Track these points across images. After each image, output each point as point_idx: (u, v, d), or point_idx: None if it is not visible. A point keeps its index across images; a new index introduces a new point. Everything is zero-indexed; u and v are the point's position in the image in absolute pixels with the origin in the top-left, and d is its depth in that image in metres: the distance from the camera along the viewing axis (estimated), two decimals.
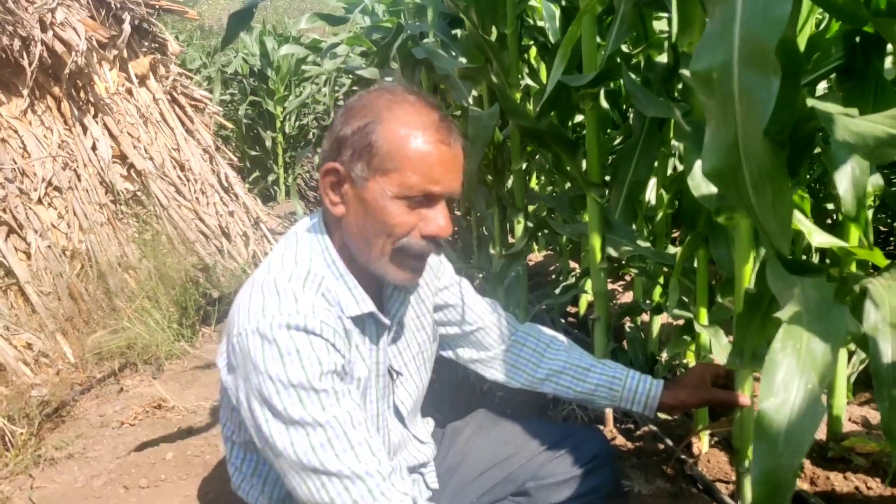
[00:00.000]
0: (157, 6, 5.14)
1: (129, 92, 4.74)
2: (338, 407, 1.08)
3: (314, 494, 1.08)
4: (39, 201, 3.81)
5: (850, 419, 2.11)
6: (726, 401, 1.48)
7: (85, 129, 4.27)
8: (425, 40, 2.92)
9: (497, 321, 1.57)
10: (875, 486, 1.78)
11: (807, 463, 1.87)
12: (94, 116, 4.37)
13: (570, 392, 1.52)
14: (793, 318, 0.95)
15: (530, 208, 3.61)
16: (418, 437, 1.44)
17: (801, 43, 1.36)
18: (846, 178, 1.49)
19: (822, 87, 2.06)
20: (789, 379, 0.90)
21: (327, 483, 1.07)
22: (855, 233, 1.63)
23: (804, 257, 2.73)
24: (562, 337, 1.61)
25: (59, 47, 4.01)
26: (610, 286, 3.91)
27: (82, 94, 4.32)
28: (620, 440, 2.07)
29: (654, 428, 2.11)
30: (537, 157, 3.23)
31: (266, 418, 1.10)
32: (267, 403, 1.09)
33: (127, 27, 4.67)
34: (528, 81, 3.04)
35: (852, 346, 2.05)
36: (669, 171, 2.42)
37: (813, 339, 0.92)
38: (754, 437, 0.90)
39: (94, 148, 4.26)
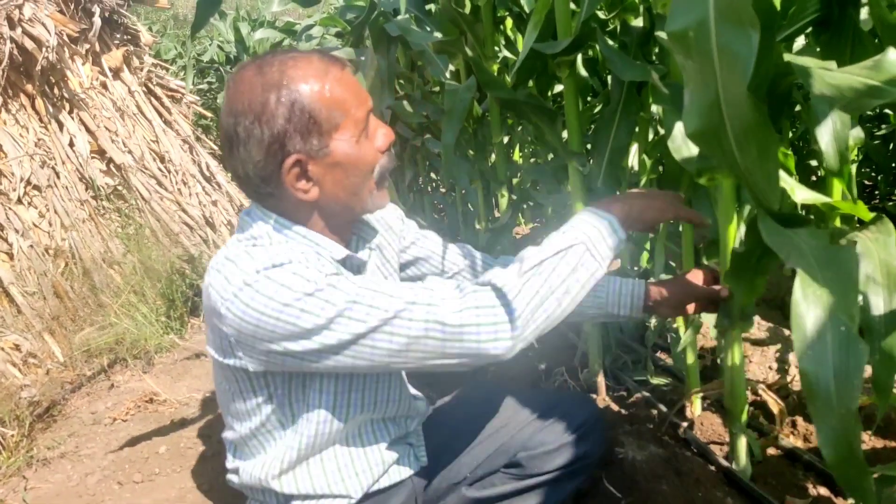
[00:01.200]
0: None
1: (104, 86, 4.67)
2: (356, 284, 1.12)
3: (390, 346, 1.11)
4: (19, 201, 3.77)
5: None
6: (707, 295, 1.52)
7: (61, 125, 4.21)
8: (399, 16, 2.87)
9: (472, 260, 1.62)
10: (867, 440, 1.79)
11: (800, 420, 1.87)
12: (70, 112, 4.31)
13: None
14: (803, 266, 0.93)
15: (514, 181, 3.59)
16: (410, 391, 1.47)
17: None
18: (827, 133, 1.47)
19: (800, 43, 2.05)
20: (821, 326, 0.88)
21: (392, 328, 1.10)
22: (838, 187, 1.63)
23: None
24: None
25: (29, 44, 3.94)
26: None
27: (56, 91, 4.26)
28: (613, 408, 2.07)
29: (647, 394, 2.12)
30: (519, 129, 3.21)
31: (308, 345, 1.10)
32: (296, 333, 1.09)
33: (97, 20, 4.60)
34: (506, 53, 3.00)
35: None
36: (651, 136, 2.40)
37: (830, 284, 0.90)
38: (808, 399, 0.87)
39: (71, 144, 4.20)
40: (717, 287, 1.50)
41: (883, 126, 4.14)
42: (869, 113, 3.74)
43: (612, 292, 1.53)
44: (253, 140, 1.14)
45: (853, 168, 1.64)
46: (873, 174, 4.50)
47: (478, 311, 1.12)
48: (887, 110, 3.74)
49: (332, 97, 1.14)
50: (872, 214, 1.20)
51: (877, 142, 4.13)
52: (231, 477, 1.38)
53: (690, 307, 1.53)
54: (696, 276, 1.54)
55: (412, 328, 1.10)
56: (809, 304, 0.89)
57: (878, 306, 0.98)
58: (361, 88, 1.21)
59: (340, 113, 1.16)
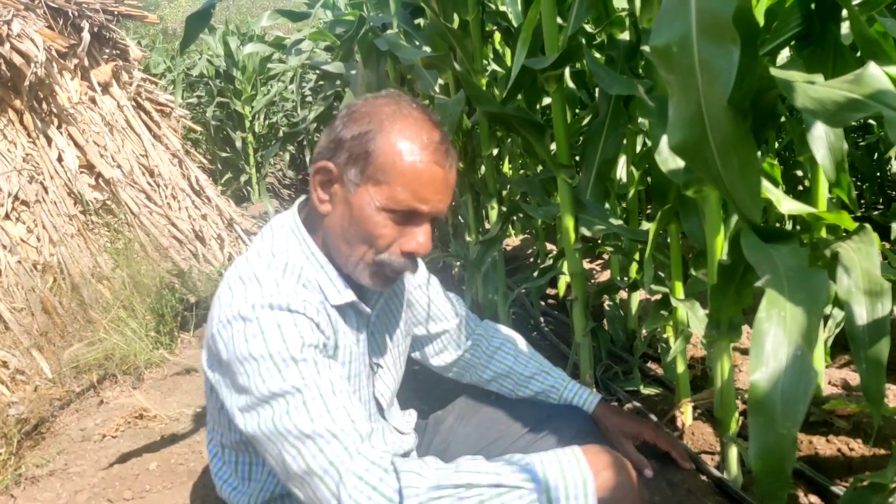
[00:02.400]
0: (115, 12, 5.06)
1: (93, 100, 4.67)
2: (317, 375, 1.07)
3: (292, 465, 1.04)
4: (7, 216, 3.75)
5: (829, 382, 2.13)
6: (664, 440, 1.56)
7: (49, 140, 4.20)
8: (388, 31, 2.89)
9: (459, 323, 1.62)
10: (857, 448, 1.80)
11: None
12: (59, 127, 4.30)
13: (512, 394, 1.61)
14: (774, 286, 0.95)
15: (503, 193, 3.61)
16: (398, 428, 1.44)
17: (760, 12, 1.36)
18: (822, 145, 1.49)
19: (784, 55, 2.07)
20: (778, 347, 0.90)
21: (302, 447, 1.03)
22: (823, 198, 1.65)
23: (777, 225, 2.75)
24: (515, 339, 1.67)
25: (18, 59, 3.93)
26: (588, 266, 3.93)
27: (45, 106, 4.25)
28: None
29: (638, 404, 2.12)
30: (508, 141, 3.23)
31: (247, 402, 1.09)
32: (246, 388, 1.08)
33: (86, 35, 4.60)
34: (495, 67, 3.02)
35: (827, 310, 2.07)
36: (639, 148, 2.42)
37: (796, 306, 0.92)
38: (749, 411, 0.90)
39: (59, 159, 4.19)
40: (646, 465, 1.52)
41: (867, 136, 4.19)
42: (853, 123, 3.78)
43: (564, 399, 1.57)
44: (329, 127, 1.22)
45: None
46: (858, 183, 4.55)
47: (371, 498, 1.00)
48: (871, 121, 3.79)
49: (397, 160, 1.14)
50: (856, 225, 1.22)
51: (860, 152, 4.18)
52: (224, 498, 1.38)
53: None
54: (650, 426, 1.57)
55: (315, 459, 1.02)
56: (772, 323, 0.91)
57: (862, 316, 0.99)
58: (439, 194, 1.18)
59: (391, 178, 1.14)
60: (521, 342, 1.67)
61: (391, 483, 1.01)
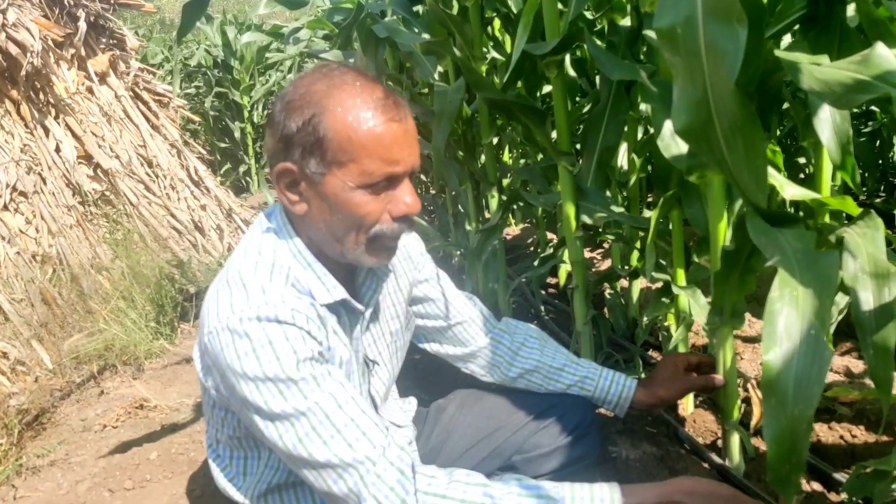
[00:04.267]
0: (112, 2, 5.04)
1: (90, 90, 4.65)
2: (319, 392, 1.06)
3: (315, 483, 1.08)
4: (5, 207, 3.74)
5: (832, 369, 2.12)
6: (703, 386, 1.51)
7: (47, 131, 4.19)
8: (386, 18, 2.87)
9: (475, 317, 1.57)
10: (860, 434, 1.79)
11: None
12: (56, 118, 4.28)
13: (542, 389, 1.54)
14: (785, 266, 0.93)
15: (504, 182, 3.59)
16: (395, 422, 1.43)
17: None
18: (827, 127, 1.47)
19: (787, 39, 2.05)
20: (791, 326, 0.88)
21: (321, 473, 1.06)
22: (826, 183, 1.63)
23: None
24: (537, 332, 1.62)
25: (14, 49, 3.91)
26: (589, 254, 3.92)
27: (42, 96, 4.23)
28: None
29: None
30: (508, 130, 3.21)
31: (252, 415, 1.08)
32: (247, 401, 1.07)
33: (83, 24, 4.57)
34: (494, 54, 3.00)
35: None
36: (640, 135, 2.41)
37: (808, 287, 0.91)
38: (763, 394, 0.88)
39: (57, 150, 4.18)
40: (711, 377, 1.50)
41: (869, 123, 4.17)
42: (855, 110, 3.77)
43: (601, 389, 1.52)
44: (272, 127, 1.15)
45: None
46: (860, 171, 4.53)
47: None
48: (873, 107, 3.77)
49: (352, 134, 1.08)
50: (860, 210, 1.20)
51: (863, 139, 4.16)
52: (222, 490, 1.37)
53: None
54: (681, 361, 1.53)
55: (336, 484, 1.06)
56: (784, 304, 0.90)
57: (868, 301, 0.97)
58: (406, 149, 1.13)
59: (354, 154, 1.09)
60: (545, 336, 1.62)
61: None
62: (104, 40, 4.96)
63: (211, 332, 1.10)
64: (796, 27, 1.38)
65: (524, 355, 1.55)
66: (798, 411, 0.85)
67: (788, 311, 0.88)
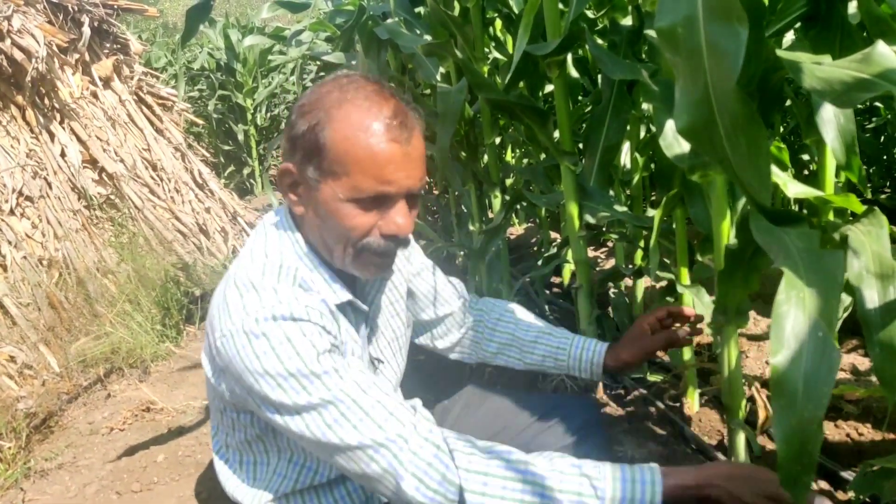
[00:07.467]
0: (115, 7, 5.05)
1: (95, 95, 4.66)
2: (342, 381, 1.07)
3: (347, 467, 1.08)
4: (11, 212, 3.75)
5: None
6: (666, 341, 1.51)
7: (52, 135, 4.20)
8: (388, 20, 2.87)
9: (462, 304, 1.61)
10: (866, 432, 1.79)
11: None
12: (61, 122, 4.29)
13: (520, 364, 1.58)
14: (789, 266, 0.93)
15: (507, 182, 3.59)
16: None
17: None
18: (832, 127, 1.47)
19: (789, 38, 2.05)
20: (799, 329, 0.88)
21: (353, 456, 1.06)
22: (830, 181, 1.63)
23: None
24: (514, 308, 1.65)
25: (19, 55, 3.92)
26: (593, 254, 3.91)
27: (47, 101, 4.24)
28: (611, 406, 2.07)
29: (644, 391, 2.12)
30: (510, 130, 3.21)
31: (274, 413, 1.09)
32: (268, 400, 1.07)
33: (87, 30, 4.59)
34: (496, 54, 3.00)
35: None
36: (643, 134, 2.41)
37: (814, 287, 0.91)
38: (772, 395, 0.88)
39: (62, 154, 4.19)
40: (675, 329, 1.52)
41: (873, 119, 4.15)
42: (860, 106, 3.75)
43: (573, 357, 1.54)
44: (286, 125, 1.18)
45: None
46: (865, 167, 4.52)
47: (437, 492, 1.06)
48: (877, 103, 3.75)
49: (349, 149, 1.09)
50: (864, 207, 1.20)
51: (868, 135, 4.14)
52: (230, 495, 1.37)
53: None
54: (648, 320, 1.54)
55: (369, 467, 1.07)
56: (791, 305, 0.89)
57: (873, 299, 0.97)
58: (403, 171, 1.12)
59: (348, 168, 1.09)
60: (521, 311, 1.65)
61: (453, 479, 1.06)
62: (108, 45, 4.97)
63: (224, 335, 1.10)
64: (797, 25, 1.38)
65: (501, 330, 1.60)
66: (808, 413, 0.85)
67: (795, 314, 0.88)
